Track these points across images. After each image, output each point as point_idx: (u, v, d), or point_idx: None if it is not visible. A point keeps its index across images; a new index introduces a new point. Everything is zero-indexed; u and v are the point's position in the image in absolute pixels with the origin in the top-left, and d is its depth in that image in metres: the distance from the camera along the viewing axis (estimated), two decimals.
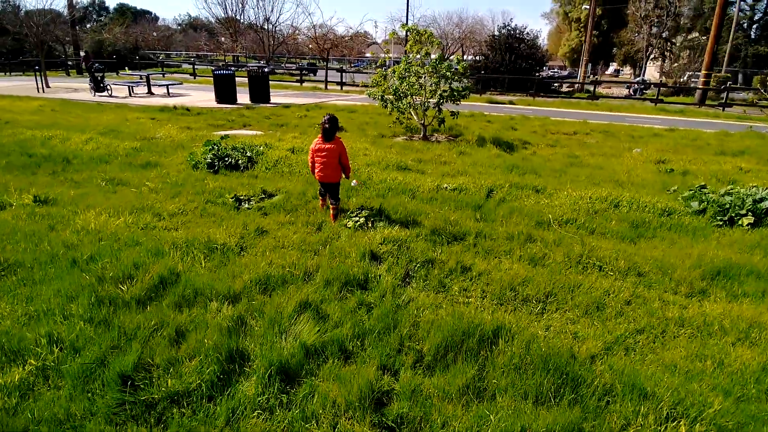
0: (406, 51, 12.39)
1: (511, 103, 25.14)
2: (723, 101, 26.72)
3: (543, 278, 4.29)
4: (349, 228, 5.38)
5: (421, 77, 12.27)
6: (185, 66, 44.00)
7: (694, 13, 54.96)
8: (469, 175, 8.31)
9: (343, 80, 31.20)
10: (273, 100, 20.93)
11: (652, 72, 66.45)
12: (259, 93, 20.01)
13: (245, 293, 3.76)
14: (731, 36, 45.00)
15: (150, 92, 21.85)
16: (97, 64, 21.19)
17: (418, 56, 12.52)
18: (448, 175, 8.35)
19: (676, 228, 5.82)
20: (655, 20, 56.48)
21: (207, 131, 13.16)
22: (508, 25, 37.11)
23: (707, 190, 6.60)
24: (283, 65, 55.44)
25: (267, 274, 4.06)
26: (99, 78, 20.41)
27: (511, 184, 7.31)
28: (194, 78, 34.98)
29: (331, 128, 5.33)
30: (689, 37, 54.85)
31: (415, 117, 13.00)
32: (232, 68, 24.76)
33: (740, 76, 49.01)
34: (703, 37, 48.93)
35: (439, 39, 12.45)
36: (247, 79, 20.43)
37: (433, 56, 12.27)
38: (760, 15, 53.55)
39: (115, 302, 3.47)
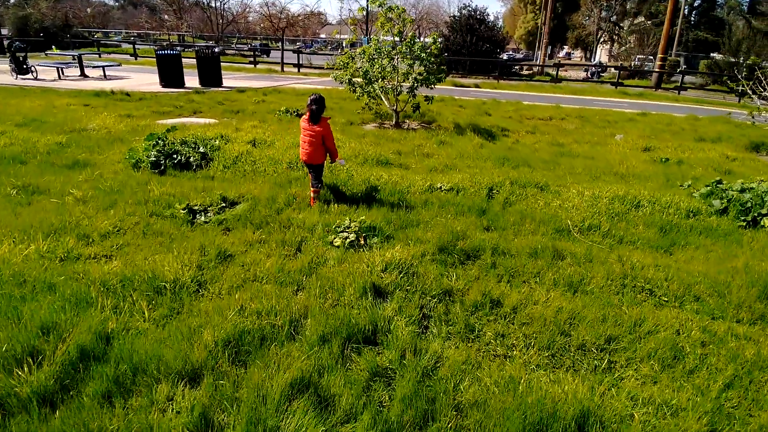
0: (375, 30, 11.23)
1: (476, 86, 24.41)
2: (678, 85, 27.13)
3: (593, 313, 3.42)
4: (337, 247, 4.32)
5: (393, 59, 11.16)
6: (125, 46, 40.47)
7: None
8: (460, 170, 7.37)
9: (300, 62, 29.43)
10: (225, 83, 19.15)
11: (601, 55, 67.98)
12: (210, 76, 18.19)
13: (209, 365, 2.65)
14: (679, 21, 46.17)
15: (83, 75, 19.51)
16: (17, 43, 18.59)
17: (389, 36, 11.38)
18: (436, 170, 7.38)
19: (706, 232, 5.13)
20: (605, 4, 57.31)
21: (151, 119, 11.53)
22: (468, 6, 36.27)
23: (724, 186, 5.97)
24: (233, 46, 52.41)
25: (238, 329, 2.96)
26: (21, 58, 17.91)
27: (511, 181, 6.43)
28: (136, 59, 32.06)
29: (318, 110, 5.18)
30: (635, 21, 56.06)
31: (386, 102, 11.90)
32: (177, 48, 22.61)
33: (682, 60, 50.68)
34: (649, 22, 50.06)
35: (411, 17, 11.39)
36: (195, 60, 18.52)
37: (406, 36, 11.15)
38: (699, 2, 55.45)
39: (3, 406, 2.27)
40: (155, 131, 9.57)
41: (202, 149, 6.93)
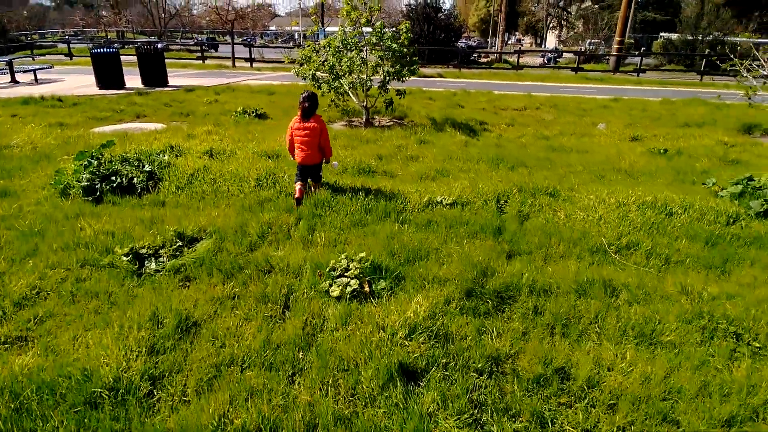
0: (341, 20, 10.13)
1: (440, 76, 23.66)
2: (638, 67, 27.36)
3: (687, 379, 2.61)
4: (337, 298, 3.33)
5: (362, 51, 10.11)
6: (61, 46, 37.12)
7: None
8: (454, 176, 6.49)
9: (252, 56, 27.70)
10: (172, 82, 17.46)
11: (551, 41, 69.08)
12: (154, 74, 16.49)
13: None
14: (634, 4, 47.08)
15: (14, 80, 17.26)
16: None
17: (354, 27, 10.32)
18: (427, 177, 6.46)
19: (756, 243, 4.47)
20: None
21: (86, 128, 10.02)
22: None
23: (757, 183, 5.37)
24: (178, 41, 49.47)
25: None
26: None
27: (518, 187, 5.60)
28: (71, 59, 29.32)
29: (310, 106, 4.96)
30: (583, 6, 56.99)
31: (354, 99, 10.86)
32: (115, 46, 20.59)
33: (635, 42, 51.91)
34: (596, 6, 50.92)
35: (378, 4, 10.36)
36: (136, 58, 16.72)
37: (374, 25, 10.12)
38: None
39: None
40: (91, 143, 8.19)
41: (148, 167, 5.71)
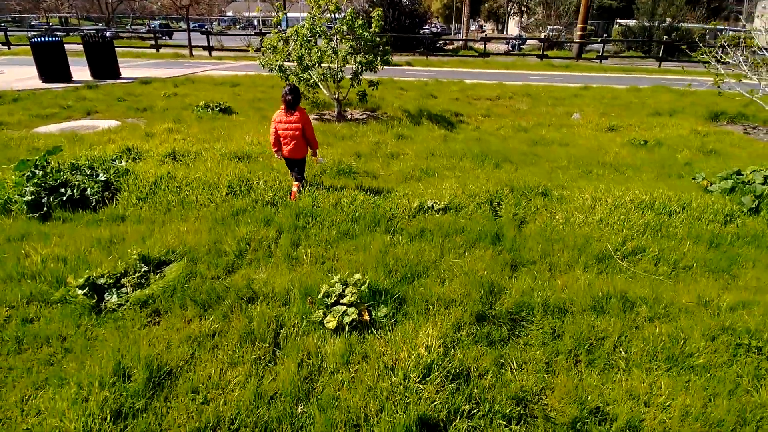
0: (309, 6, 9.53)
1: (408, 64, 23.22)
2: (600, 54, 27.77)
3: (725, 410, 2.39)
4: (333, 331, 2.93)
5: (332, 40, 9.57)
6: None
7: None
8: (439, 175, 6.15)
9: (211, 44, 26.39)
10: (125, 73, 16.31)
11: (513, 27, 69.68)
12: (104, 65, 15.32)
13: None
14: None
15: None
16: None
17: (325, 13, 9.75)
18: (411, 177, 6.09)
19: (755, 242, 4.35)
20: None
21: (30, 128, 9.11)
22: None
23: (745, 178, 5.28)
24: (128, 27, 46.85)
25: None
26: None
27: (509, 187, 5.32)
28: (9, 48, 27.12)
29: (293, 99, 4.93)
30: None
31: (325, 91, 10.33)
32: (58, 34, 19.10)
33: (595, 29, 52.88)
34: None
35: None
36: (82, 47, 15.47)
37: (344, 12, 9.59)
38: None
39: None
40: (36, 146, 7.40)
41: (102, 176, 5.08)
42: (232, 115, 10.37)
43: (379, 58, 9.81)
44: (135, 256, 3.61)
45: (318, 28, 9.47)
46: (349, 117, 10.73)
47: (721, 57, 10.39)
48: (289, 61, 9.89)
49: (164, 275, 3.54)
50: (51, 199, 4.67)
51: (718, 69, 10.35)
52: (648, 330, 3.02)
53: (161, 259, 3.72)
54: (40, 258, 3.70)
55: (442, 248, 4.05)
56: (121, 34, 36.65)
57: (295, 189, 5.07)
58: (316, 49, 9.27)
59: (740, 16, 48.49)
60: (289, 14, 36.68)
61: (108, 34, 16.64)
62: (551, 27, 46.24)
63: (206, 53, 25.90)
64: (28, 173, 4.79)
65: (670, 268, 3.86)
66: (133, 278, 3.43)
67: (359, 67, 9.65)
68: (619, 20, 45.57)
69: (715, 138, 8.59)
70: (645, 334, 2.99)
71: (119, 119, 10.28)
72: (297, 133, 4.95)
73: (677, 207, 4.75)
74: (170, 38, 38.33)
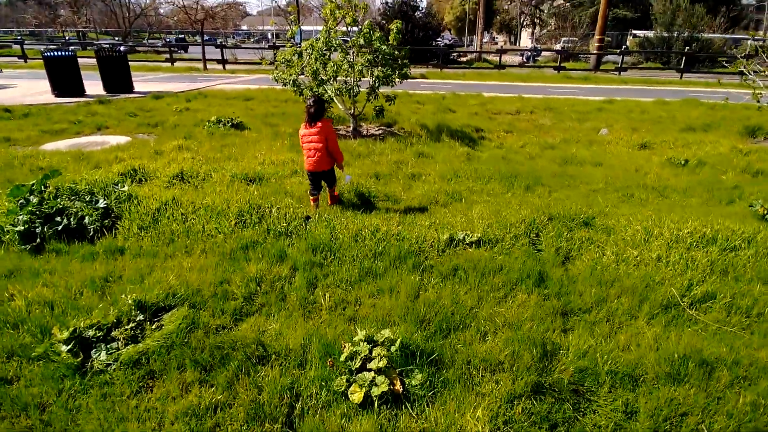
0: (324, 19, 9.19)
1: (423, 77, 22.86)
2: (619, 66, 27.16)
3: None
4: (359, 406, 2.43)
5: (348, 53, 9.19)
6: (15, 47, 34.86)
7: None
8: (467, 199, 5.65)
9: (225, 57, 26.37)
10: (138, 87, 16.18)
11: (525, 39, 69.38)
12: (117, 79, 15.19)
13: None
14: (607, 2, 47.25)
15: None
16: None
17: (341, 26, 9.40)
18: (436, 202, 5.59)
19: None
20: None
21: (37, 144, 8.85)
22: None
23: None
24: (146, 42, 47.49)
25: None
26: None
27: (546, 215, 4.79)
28: (25, 62, 27.42)
29: (317, 111, 4.86)
30: (555, 4, 57.19)
31: (340, 106, 9.93)
32: (72, 48, 19.09)
33: (612, 40, 52.31)
34: (568, 4, 51.06)
35: (365, 2, 9.44)
36: (96, 61, 15.36)
37: (361, 25, 9.21)
38: None
39: None
40: (39, 164, 7.07)
41: (103, 202, 4.67)
42: (244, 131, 10.01)
43: (397, 72, 9.40)
44: (130, 302, 3.16)
45: (333, 42, 9.11)
46: (365, 132, 10.31)
47: (761, 70, 9.80)
48: (302, 75, 9.53)
49: (162, 324, 3.07)
50: (45, 229, 4.26)
51: (755, 81, 9.77)
52: (731, 401, 2.47)
53: (158, 305, 3.25)
54: (25, 302, 3.27)
55: (479, 291, 3.53)
56: (137, 48, 37.08)
57: (329, 195, 5.27)
58: (332, 63, 8.89)
59: (762, 25, 47.59)
60: (303, 27, 36.80)
61: (122, 48, 16.54)
62: (566, 39, 45.77)
63: (220, 67, 25.88)
64: (22, 200, 4.40)
65: (744, 317, 3.29)
66: (127, 329, 2.97)
67: (376, 81, 9.24)
68: (634, 31, 44.97)
69: (757, 157, 7.97)
70: (729, 407, 2.44)
71: (129, 135, 9.99)
72: (320, 145, 4.87)
73: (741, 241, 4.18)
74: (185, 52, 38.67)
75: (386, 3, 36.27)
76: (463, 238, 4.27)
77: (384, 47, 9.04)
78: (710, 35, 34.44)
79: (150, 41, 47.63)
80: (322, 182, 5.27)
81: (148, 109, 12.60)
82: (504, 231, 4.45)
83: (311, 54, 9.01)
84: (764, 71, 9.84)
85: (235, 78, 21.58)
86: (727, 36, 38.26)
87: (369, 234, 4.30)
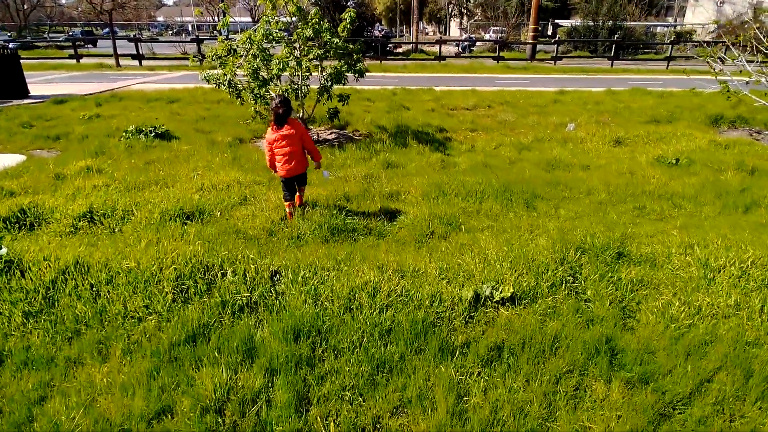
0: (250, 10, 7.74)
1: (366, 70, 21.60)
2: (554, 55, 27.46)
3: None
4: None
5: (295, 48, 7.85)
6: None
7: None
8: (467, 227, 4.62)
9: (141, 52, 23.57)
10: (35, 91, 13.69)
11: (453, 29, 70.05)
12: (7, 83, 12.66)
13: None
14: None
15: None
16: None
17: (283, 17, 8.04)
18: (432, 235, 4.51)
19: None
20: None
21: None
22: None
23: None
24: (46, 36, 42.32)
25: None
26: None
27: (573, 246, 3.87)
28: None
29: (285, 113, 4.40)
30: None
31: None
32: None
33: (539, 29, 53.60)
34: None
35: None
36: None
37: (308, 14, 7.89)
38: None
39: None
40: None
41: None
42: (172, 142, 8.37)
43: (350, 68, 8.19)
44: None
45: (275, 34, 7.72)
46: (316, 138, 9.03)
47: (725, 57, 9.63)
48: (241, 76, 8.07)
49: None
50: None
51: (722, 71, 9.58)
52: None
53: None
54: None
55: (540, 384, 2.51)
56: (37, 44, 32.76)
57: (299, 194, 4.79)
58: (276, 60, 7.51)
59: (672, 11, 50.74)
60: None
61: (11, 46, 13.91)
62: (495, 28, 46.25)
63: (135, 63, 23.13)
64: None
65: None
66: None
67: (329, 79, 7.99)
68: (556, 21, 46.40)
69: (739, 150, 7.65)
70: None
71: (23, 151, 8.06)
72: (297, 148, 4.52)
73: None
74: (94, 46, 34.79)
75: None
76: (491, 293, 3.23)
77: (336, 40, 7.80)
78: (631, 23, 35.98)
79: (51, 35, 42.53)
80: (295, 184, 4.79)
81: (48, 117, 10.47)
82: (535, 276, 3.47)
83: (249, 49, 7.57)
84: (729, 59, 9.70)
85: (155, 75, 19.20)
86: (647, 23, 40.33)
87: (366, 297, 3.15)
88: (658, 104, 12.07)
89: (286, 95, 7.92)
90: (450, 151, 7.89)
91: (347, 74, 8.34)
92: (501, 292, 3.22)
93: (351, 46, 8.10)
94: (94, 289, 3.21)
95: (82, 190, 5.46)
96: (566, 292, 3.33)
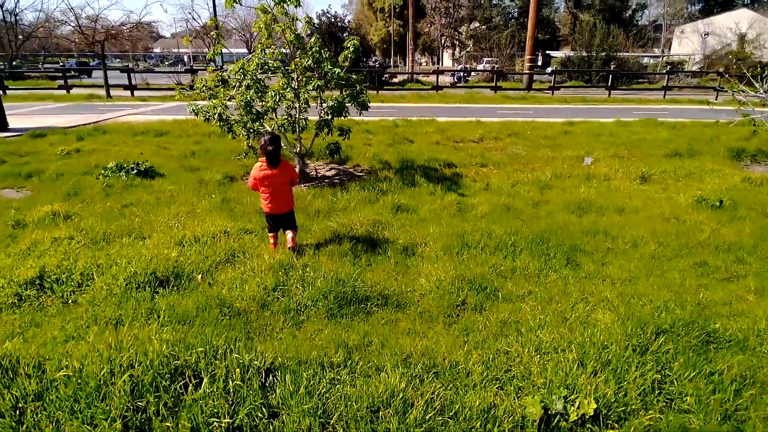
0: (246, 42, 7.11)
1: None
2: (552, 85, 27.26)
3: None
4: None
5: (292, 79, 7.15)
6: None
7: (473, 4, 58.76)
8: (504, 293, 3.78)
9: (133, 82, 23.03)
10: (15, 123, 12.94)
11: (446, 60, 70.92)
12: None
13: None
14: (531, 24, 48.76)
15: None
16: None
17: (280, 48, 7.37)
18: (462, 305, 3.65)
19: None
20: (443, 11, 58.99)
21: None
22: (328, 12, 33.12)
23: None
24: (41, 66, 42.02)
25: None
26: None
27: (650, 327, 3.04)
28: None
29: (275, 150, 4.33)
30: (472, 26, 58.71)
31: (283, 143, 7.80)
32: None
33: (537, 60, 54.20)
34: (484, 27, 52.48)
35: (307, 15, 7.49)
36: None
37: (307, 43, 7.24)
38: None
39: None
40: None
41: None
42: (155, 180, 7.56)
43: (354, 100, 7.50)
44: None
45: (270, 63, 7.03)
46: (314, 174, 8.27)
47: (747, 90, 9.09)
48: (230, 104, 7.34)
49: None
50: None
51: (747, 104, 9.01)
52: None
53: None
54: None
55: None
56: (29, 74, 32.35)
57: (290, 242, 4.47)
58: (272, 92, 6.79)
59: (659, 43, 51.48)
60: (222, 50, 34.03)
61: None
62: (487, 59, 46.55)
63: (127, 93, 22.54)
64: None
65: None
66: None
67: (330, 112, 7.27)
68: (547, 52, 46.95)
69: None
70: None
71: None
72: (287, 187, 4.53)
73: None
74: (89, 77, 34.42)
75: (313, 23, 34.62)
76: (564, 408, 2.37)
77: (337, 70, 7.12)
78: (624, 54, 36.24)
79: (46, 66, 42.24)
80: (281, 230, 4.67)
81: (23, 152, 9.66)
82: (615, 376, 2.61)
83: (242, 80, 6.86)
84: (751, 91, 9.15)
85: (146, 106, 18.56)
86: (639, 54, 40.71)
87: (394, 420, 2.27)
88: (674, 136, 11.49)
89: (283, 130, 7.24)
90: (464, 191, 7.12)
91: (351, 107, 7.65)
92: (578, 407, 2.36)
93: (354, 76, 7.43)
94: (18, 408, 2.31)
95: (39, 245, 4.59)
96: (663, 401, 2.47)
